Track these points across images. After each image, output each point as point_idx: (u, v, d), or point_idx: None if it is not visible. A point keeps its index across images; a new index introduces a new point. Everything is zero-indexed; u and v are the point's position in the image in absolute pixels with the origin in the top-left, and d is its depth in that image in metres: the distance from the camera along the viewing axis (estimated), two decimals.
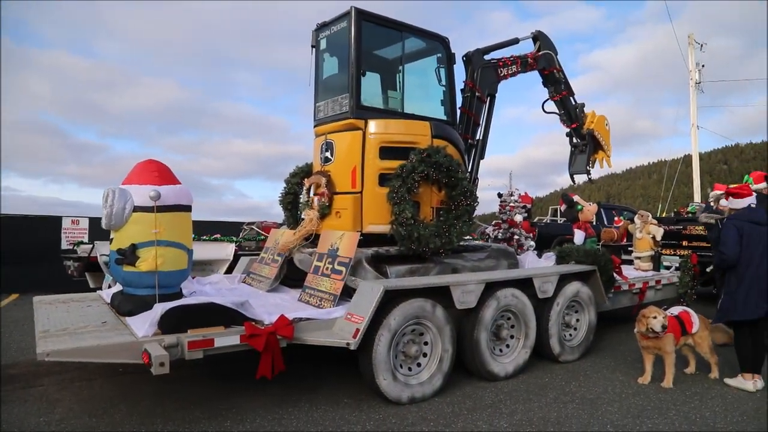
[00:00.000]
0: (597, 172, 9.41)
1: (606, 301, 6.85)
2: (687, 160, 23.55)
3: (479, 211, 6.56)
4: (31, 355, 6.15)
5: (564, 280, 6.29)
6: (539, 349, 6.07)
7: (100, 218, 4.88)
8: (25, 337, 7.28)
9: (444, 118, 6.70)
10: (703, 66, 23.27)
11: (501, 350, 5.76)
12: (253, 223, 12.09)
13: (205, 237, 10.41)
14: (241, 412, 4.64)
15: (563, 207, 8.84)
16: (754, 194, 5.80)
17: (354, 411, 4.70)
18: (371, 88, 6.53)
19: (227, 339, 4.37)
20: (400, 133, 6.07)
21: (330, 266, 5.50)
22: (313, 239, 6.23)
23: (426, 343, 5.12)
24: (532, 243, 8.20)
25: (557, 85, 8.56)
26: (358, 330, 4.50)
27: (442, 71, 6.75)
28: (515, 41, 8.09)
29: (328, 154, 6.30)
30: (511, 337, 5.83)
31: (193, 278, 6.65)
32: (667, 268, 8.72)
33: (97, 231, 11.06)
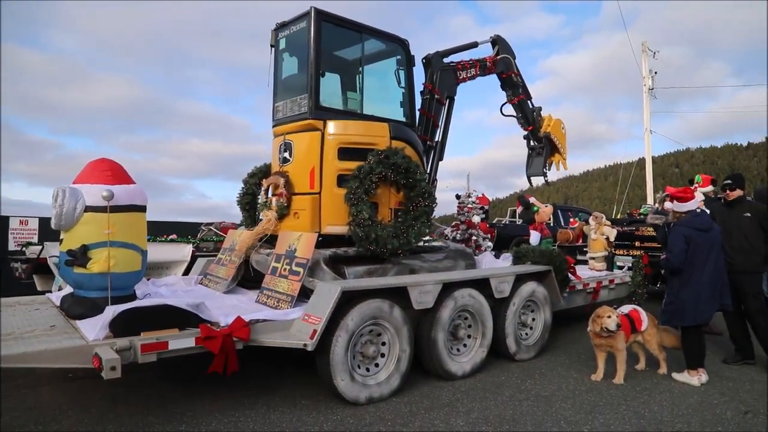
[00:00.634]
0: (555, 174, 9.63)
1: (561, 300, 7.00)
2: (641, 163, 24.26)
3: (439, 212, 6.63)
4: None
5: (520, 280, 6.40)
6: (496, 348, 6.16)
7: (50, 218, 4.75)
8: None
9: (403, 119, 6.74)
10: (655, 73, 24.04)
11: (458, 350, 5.82)
12: (211, 224, 11.91)
13: (161, 238, 10.20)
14: (196, 416, 4.57)
15: (520, 208, 9.01)
16: (698, 198, 6.02)
17: (311, 412, 4.68)
18: (330, 88, 6.53)
19: (182, 341, 4.30)
20: (358, 135, 6.08)
21: (288, 267, 5.47)
22: (270, 240, 6.18)
23: (384, 344, 5.14)
24: (490, 244, 8.32)
25: (515, 88, 8.72)
26: (315, 331, 4.49)
27: (402, 73, 6.80)
28: (474, 45, 8.20)
29: (286, 154, 6.27)
30: (469, 336, 5.90)
31: (148, 280, 6.52)
32: (620, 268, 8.96)
33: (47, 231, 10.71)
